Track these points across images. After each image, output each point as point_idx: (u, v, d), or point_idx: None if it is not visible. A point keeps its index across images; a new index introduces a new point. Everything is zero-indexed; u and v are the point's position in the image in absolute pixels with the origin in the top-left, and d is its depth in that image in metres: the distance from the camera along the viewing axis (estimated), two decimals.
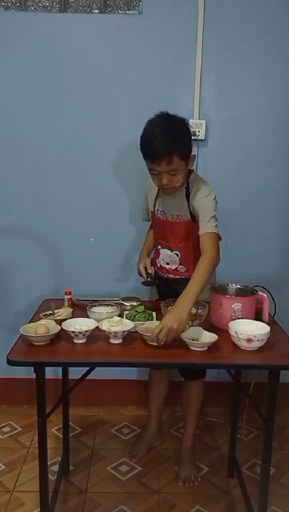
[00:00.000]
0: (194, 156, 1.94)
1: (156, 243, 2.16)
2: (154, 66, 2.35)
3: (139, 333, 1.65)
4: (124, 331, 1.63)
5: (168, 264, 2.09)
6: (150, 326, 1.67)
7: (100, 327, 1.65)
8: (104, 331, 1.63)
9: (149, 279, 2.11)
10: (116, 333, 1.62)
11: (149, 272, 2.11)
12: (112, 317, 1.73)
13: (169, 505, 2.05)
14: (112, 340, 1.64)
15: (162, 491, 2.13)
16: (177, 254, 2.05)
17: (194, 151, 2.38)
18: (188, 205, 1.96)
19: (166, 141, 1.78)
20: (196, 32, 2.30)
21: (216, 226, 1.87)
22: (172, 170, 1.83)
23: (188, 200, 1.97)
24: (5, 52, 2.34)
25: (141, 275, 2.13)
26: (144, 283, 2.14)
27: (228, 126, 2.42)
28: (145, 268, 2.12)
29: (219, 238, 1.89)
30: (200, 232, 1.88)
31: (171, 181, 1.87)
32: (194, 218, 1.96)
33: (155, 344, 1.61)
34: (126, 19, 2.32)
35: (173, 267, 2.08)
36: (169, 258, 2.08)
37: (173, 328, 1.58)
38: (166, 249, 2.08)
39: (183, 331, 1.63)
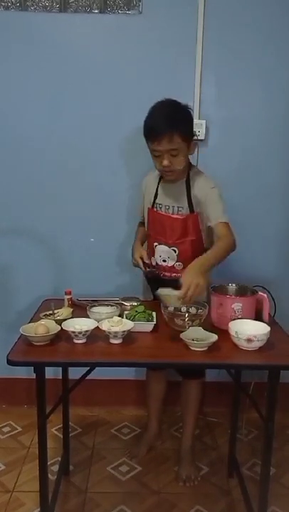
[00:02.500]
0: (196, 143, 1.97)
1: (151, 240, 2.14)
2: (154, 66, 2.35)
3: (161, 296, 1.68)
4: (124, 331, 1.63)
5: (165, 261, 2.07)
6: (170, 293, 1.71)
7: (100, 327, 1.65)
8: (104, 331, 1.63)
9: (148, 269, 2.09)
10: (116, 333, 1.62)
11: (146, 261, 2.10)
12: (112, 317, 1.74)
13: (169, 505, 2.05)
14: (112, 341, 1.64)
15: (162, 491, 2.13)
16: (175, 251, 2.04)
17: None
18: (189, 197, 1.99)
19: (169, 118, 1.86)
20: (196, 32, 2.31)
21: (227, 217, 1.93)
22: (173, 149, 1.87)
23: (188, 192, 1.99)
24: (5, 52, 2.34)
25: (137, 266, 2.13)
26: (147, 275, 2.13)
27: (228, 126, 2.42)
28: (141, 258, 2.11)
29: None
30: (213, 223, 1.92)
31: (172, 163, 1.90)
32: (193, 210, 1.99)
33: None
34: (126, 19, 2.32)
35: (170, 264, 2.07)
36: (166, 254, 2.07)
37: (198, 283, 1.65)
38: (163, 245, 2.07)
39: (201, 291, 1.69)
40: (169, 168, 1.92)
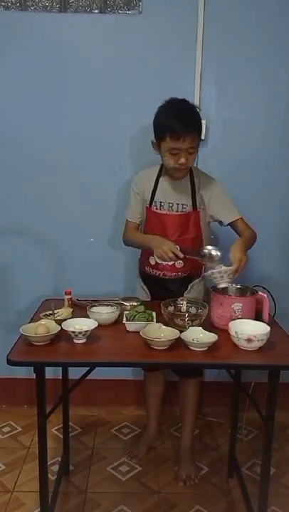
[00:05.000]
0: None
1: None
2: (154, 66, 2.35)
3: (143, 337, 1.61)
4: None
5: (165, 260, 2.04)
6: (152, 328, 1.67)
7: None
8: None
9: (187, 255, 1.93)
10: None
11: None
12: (111, 317, 1.74)
13: (169, 505, 2.05)
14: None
15: (162, 491, 2.13)
16: (176, 248, 2.01)
17: None
18: (194, 194, 2.02)
19: (193, 117, 1.92)
20: (196, 32, 2.30)
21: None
22: (192, 148, 1.92)
23: (193, 189, 2.03)
24: (5, 52, 2.33)
25: (164, 260, 1.93)
26: (185, 257, 1.93)
27: (228, 126, 2.42)
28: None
29: None
30: (232, 219, 2.04)
31: (188, 161, 1.93)
32: (196, 207, 2.03)
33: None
34: (126, 19, 2.32)
35: (170, 262, 2.00)
36: None
37: (246, 260, 1.83)
38: None
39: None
40: (185, 165, 1.94)
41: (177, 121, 1.87)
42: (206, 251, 1.86)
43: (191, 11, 2.29)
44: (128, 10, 2.32)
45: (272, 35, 2.33)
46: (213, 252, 1.84)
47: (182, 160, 1.91)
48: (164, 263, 2.02)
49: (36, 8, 2.31)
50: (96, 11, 2.32)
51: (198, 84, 2.36)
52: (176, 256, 1.87)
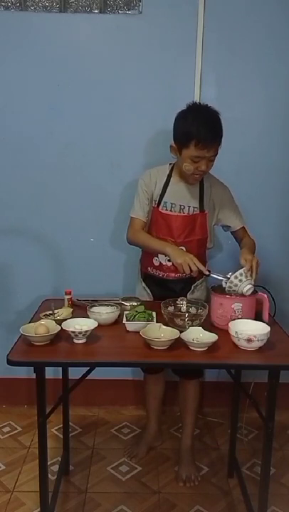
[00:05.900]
0: None
1: None
2: (154, 66, 2.35)
3: (143, 337, 1.62)
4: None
5: (170, 260, 1.98)
6: (152, 328, 1.67)
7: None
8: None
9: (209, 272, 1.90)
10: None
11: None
12: (111, 317, 1.74)
13: (169, 506, 2.05)
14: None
15: (162, 491, 2.13)
16: (183, 249, 2.00)
17: None
18: (202, 197, 2.03)
19: (219, 127, 1.92)
20: (196, 32, 2.30)
21: None
22: (214, 156, 1.93)
23: (201, 191, 2.04)
24: (5, 52, 2.33)
25: (187, 273, 1.87)
26: (207, 275, 1.91)
27: (228, 126, 2.41)
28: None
29: None
30: (240, 226, 2.10)
31: (207, 167, 1.95)
32: (203, 209, 2.04)
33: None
34: (126, 19, 2.32)
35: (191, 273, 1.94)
36: None
37: (258, 260, 1.86)
38: None
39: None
40: (205, 171, 1.95)
41: (205, 132, 1.86)
42: (230, 273, 1.82)
43: (191, 11, 2.29)
44: (128, 10, 2.32)
45: (271, 35, 2.33)
46: (236, 274, 1.79)
47: (203, 167, 1.92)
48: (185, 274, 1.92)
49: (36, 8, 2.32)
50: (96, 11, 2.32)
51: (198, 84, 2.36)
52: (200, 272, 1.86)
